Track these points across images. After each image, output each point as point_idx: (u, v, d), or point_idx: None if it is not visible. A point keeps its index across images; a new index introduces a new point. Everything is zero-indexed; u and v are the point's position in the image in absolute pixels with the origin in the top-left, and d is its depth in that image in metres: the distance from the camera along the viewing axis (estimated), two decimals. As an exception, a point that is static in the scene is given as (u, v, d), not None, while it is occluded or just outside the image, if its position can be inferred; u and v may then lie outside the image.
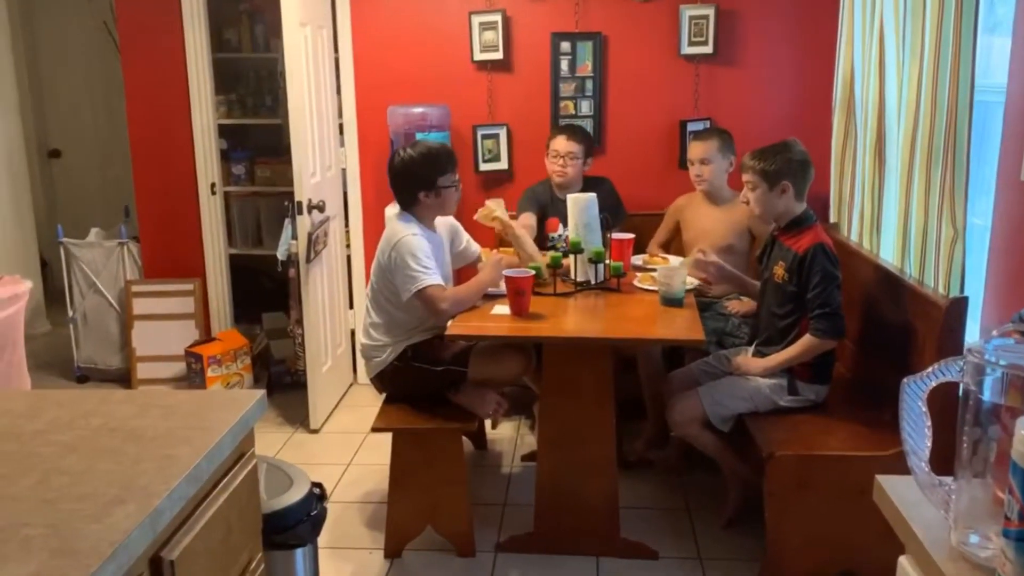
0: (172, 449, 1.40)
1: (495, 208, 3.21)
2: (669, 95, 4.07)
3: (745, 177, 2.84)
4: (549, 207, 3.76)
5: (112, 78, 5.15)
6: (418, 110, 3.99)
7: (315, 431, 3.88)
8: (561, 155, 3.65)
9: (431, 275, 2.80)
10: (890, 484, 1.21)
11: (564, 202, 3.59)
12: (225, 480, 1.50)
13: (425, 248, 2.84)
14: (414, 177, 2.93)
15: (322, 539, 2.20)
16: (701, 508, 3.15)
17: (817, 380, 2.80)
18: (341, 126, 4.26)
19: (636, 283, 3.14)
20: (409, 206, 2.97)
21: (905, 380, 1.12)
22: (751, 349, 2.99)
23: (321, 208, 3.77)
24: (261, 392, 1.64)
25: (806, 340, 2.72)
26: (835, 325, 2.69)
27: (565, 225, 3.64)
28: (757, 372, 2.82)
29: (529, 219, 3.70)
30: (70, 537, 1.13)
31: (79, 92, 5.93)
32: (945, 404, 1.20)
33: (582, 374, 2.78)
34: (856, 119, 3.43)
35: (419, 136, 3.86)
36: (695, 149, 3.58)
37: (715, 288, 3.48)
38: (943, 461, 1.13)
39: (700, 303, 3.18)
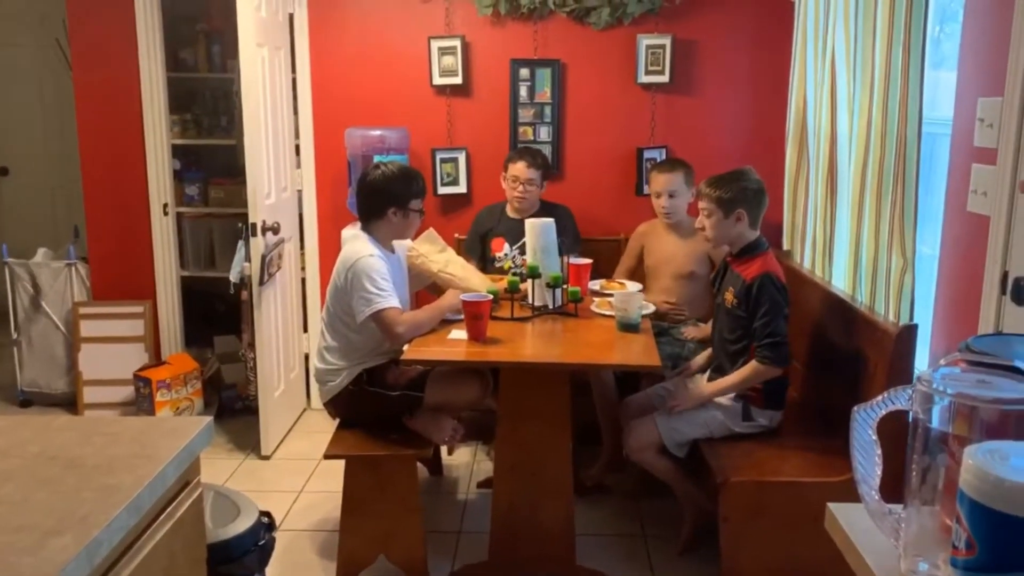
0: (113, 478, 1.35)
1: (421, 250, 3.17)
2: (626, 123, 4.11)
3: (701, 204, 2.87)
4: (496, 227, 3.77)
5: (63, 96, 5.06)
6: (376, 132, 3.97)
7: (267, 458, 3.81)
8: (521, 182, 3.66)
9: (388, 298, 2.78)
10: (841, 512, 1.22)
11: (514, 221, 3.62)
12: (169, 510, 1.45)
13: (382, 270, 2.82)
14: (390, 193, 2.92)
15: (273, 568, 2.15)
16: (657, 534, 3.14)
17: (770, 406, 2.82)
18: (297, 147, 4.22)
19: (593, 308, 3.14)
20: (372, 222, 2.95)
21: (855, 408, 1.13)
22: (706, 376, 3.00)
23: (276, 230, 3.73)
24: (208, 419, 1.60)
25: (752, 366, 2.75)
26: (780, 354, 2.72)
27: (511, 244, 3.66)
28: (700, 401, 2.83)
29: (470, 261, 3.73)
30: (2, 571, 1.08)
31: (29, 109, 5.80)
32: (895, 432, 1.21)
33: (539, 399, 2.77)
34: (808, 149, 3.50)
35: (377, 158, 3.84)
36: (662, 181, 3.57)
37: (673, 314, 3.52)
38: (894, 489, 1.14)
39: (656, 328, 3.20)
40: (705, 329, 3.36)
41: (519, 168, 3.67)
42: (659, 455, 2.89)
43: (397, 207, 2.92)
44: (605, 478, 3.47)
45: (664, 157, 4.01)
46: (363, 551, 2.82)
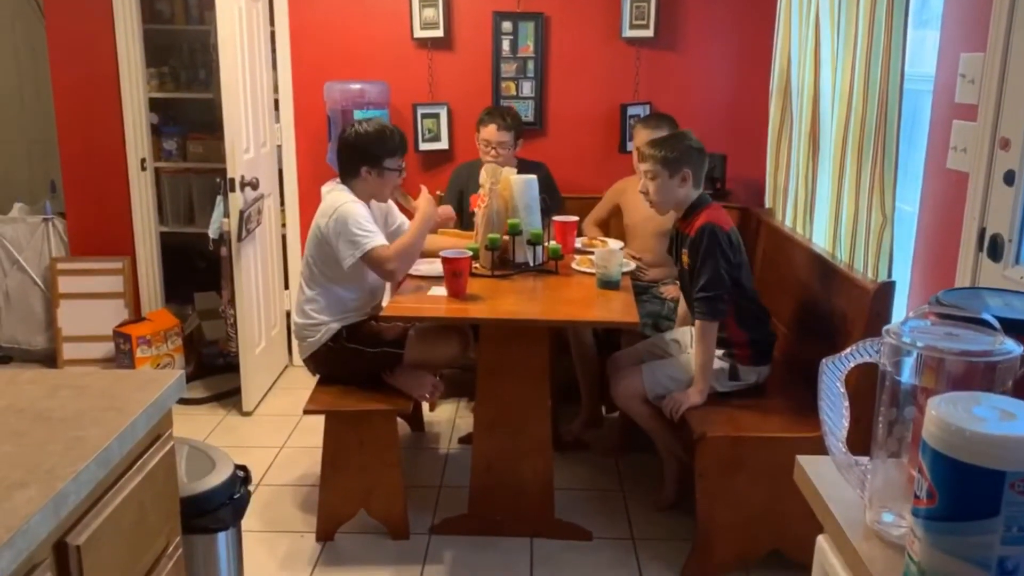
0: (81, 431, 1.34)
1: None
2: (610, 78, 4.07)
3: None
4: (471, 184, 3.72)
5: (37, 47, 4.93)
6: (356, 86, 3.91)
7: (248, 414, 3.81)
8: (493, 145, 3.59)
9: (375, 237, 2.78)
10: (809, 464, 1.22)
11: None
12: (139, 462, 1.44)
13: (366, 214, 2.82)
14: (362, 151, 2.90)
15: (253, 522, 2.16)
16: (635, 489, 3.17)
17: (758, 362, 2.81)
18: (277, 101, 4.16)
19: (574, 265, 3.13)
20: (349, 179, 2.93)
21: (824, 360, 1.13)
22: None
23: (255, 185, 3.68)
24: (179, 372, 1.59)
25: (699, 330, 2.71)
26: (715, 308, 2.68)
27: None
28: (699, 401, 2.73)
29: (448, 211, 3.68)
30: (-35, 523, 1.07)
31: (2, 61, 5.67)
32: (865, 385, 1.21)
33: (519, 356, 2.77)
34: (792, 107, 3.47)
35: (357, 113, 3.79)
36: (645, 137, 3.51)
37: (651, 272, 3.52)
38: (863, 441, 1.14)
39: (636, 287, 3.19)
40: (684, 286, 3.36)
41: (490, 131, 3.60)
42: (643, 404, 2.89)
43: (370, 166, 2.90)
44: (584, 434, 3.49)
45: (648, 113, 3.96)
46: (343, 506, 2.84)
